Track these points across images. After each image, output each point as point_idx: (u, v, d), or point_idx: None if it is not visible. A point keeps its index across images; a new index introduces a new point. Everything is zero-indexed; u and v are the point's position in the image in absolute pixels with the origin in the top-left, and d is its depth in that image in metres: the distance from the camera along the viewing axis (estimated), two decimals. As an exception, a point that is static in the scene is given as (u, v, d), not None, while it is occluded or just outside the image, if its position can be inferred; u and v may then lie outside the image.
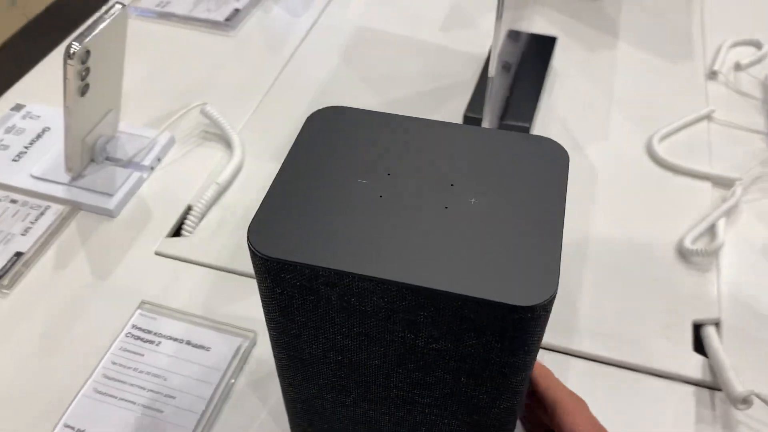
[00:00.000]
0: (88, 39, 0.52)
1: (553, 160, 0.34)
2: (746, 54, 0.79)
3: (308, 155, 0.34)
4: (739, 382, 0.47)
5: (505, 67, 0.63)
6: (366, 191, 0.32)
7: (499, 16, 0.55)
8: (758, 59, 0.77)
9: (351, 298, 0.30)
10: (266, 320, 0.34)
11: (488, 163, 0.33)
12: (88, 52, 0.53)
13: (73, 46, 0.51)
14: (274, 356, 0.36)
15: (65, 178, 0.63)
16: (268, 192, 0.32)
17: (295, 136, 0.35)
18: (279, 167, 0.33)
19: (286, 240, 0.30)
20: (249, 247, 0.30)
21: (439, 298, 0.28)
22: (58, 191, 0.62)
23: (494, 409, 0.34)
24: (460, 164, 0.33)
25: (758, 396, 0.46)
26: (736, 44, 0.80)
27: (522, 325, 0.28)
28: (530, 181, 0.32)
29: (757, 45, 0.80)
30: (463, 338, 0.30)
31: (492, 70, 0.58)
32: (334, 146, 0.34)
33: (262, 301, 0.33)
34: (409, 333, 0.30)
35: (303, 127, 0.36)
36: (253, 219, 0.31)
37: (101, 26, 0.54)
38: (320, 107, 0.37)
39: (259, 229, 0.30)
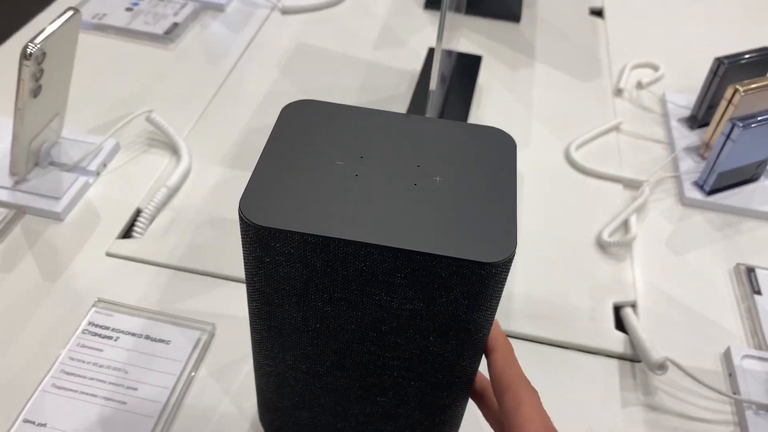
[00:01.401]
0: (44, 40, 0.53)
1: (503, 146, 0.38)
2: (646, 74, 0.88)
3: (287, 140, 0.37)
4: (655, 352, 0.54)
5: (442, 79, 0.68)
6: (343, 171, 0.36)
7: (439, 36, 0.60)
8: (656, 79, 0.87)
9: (335, 264, 0.33)
10: (249, 292, 0.37)
11: (448, 148, 0.38)
12: (44, 54, 0.54)
13: (30, 46, 0.52)
14: (252, 329, 0.39)
15: (9, 182, 0.63)
16: (254, 170, 0.35)
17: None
18: (262, 150, 0.36)
19: (275, 211, 0.33)
20: (241, 218, 0.33)
21: (415, 258, 0.32)
22: (2, 195, 0.62)
23: (457, 366, 0.38)
24: (424, 149, 0.38)
25: (671, 360, 0.52)
26: (637, 66, 0.90)
27: (487, 281, 0.32)
28: (486, 162, 0.37)
29: (655, 67, 0.90)
30: (434, 297, 0.34)
31: (433, 84, 0.63)
32: (309, 133, 0.38)
33: (248, 273, 0.35)
34: (386, 295, 0.34)
35: (279, 117, 0.39)
36: (243, 194, 0.34)
37: (56, 28, 0.55)
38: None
39: (249, 202, 0.33)
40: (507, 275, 0.33)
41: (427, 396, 0.40)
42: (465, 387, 0.40)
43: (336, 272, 0.33)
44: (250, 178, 0.34)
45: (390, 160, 0.37)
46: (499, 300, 0.35)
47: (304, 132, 0.38)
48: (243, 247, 0.34)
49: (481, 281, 0.32)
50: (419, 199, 0.34)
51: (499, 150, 0.38)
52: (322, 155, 0.36)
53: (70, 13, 0.57)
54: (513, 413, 0.34)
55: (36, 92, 0.56)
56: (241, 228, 0.33)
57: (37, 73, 0.55)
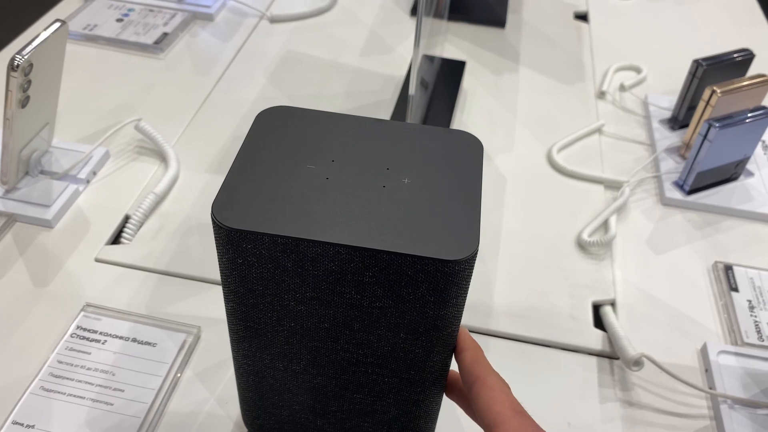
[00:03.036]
0: (31, 51, 0.55)
1: (470, 148, 0.40)
2: (628, 77, 0.90)
3: (260, 145, 0.38)
4: (632, 347, 0.55)
5: (423, 84, 0.70)
6: (314, 174, 0.37)
7: (417, 42, 0.62)
8: (638, 81, 0.89)
9: (305, 264, 0.34)
10: (225, 293, 0.38)
11: (417, 151, 0.39)
12: (31, 65, 0.55)
13: (16, 58, 0.54)
14: (230, 330, 0.40)
15: (-1, 190, 0.64)
16: (227, 176, 0.36)
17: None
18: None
19: (246, 214, 0.34)
20: (213, 221, 0.34)
21: (382, 257, 0.33)
22: (-7, 203, 0.63)
23: (428, 362, 0.39)
24: (393, 152, 0.39)
25: (647, 357, 0.54)
26: (620, 69, 0.91)
27: (451, 278, 0.34)
28: (453, 165, 0.38)
29: (638, 70, 0.91)
30: (402, 294, 0.35)
31: (412, 89, 0.65)
32: (282, 138, 0.39)
33: (223, 274, 0.37)
34: (356, 293, 0.35)
35: (254, 123, 0.40)
36: (215, 198, 0.35)
37: (43, 39, 0.56)
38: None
39: (221, 206, 0.34)
40: (471, 272, 0.35)
41: (401, 392, 0.41)
42: (437, 382, 0.41)
43: (307, 272, 0.35)
44: (223, 182, 0.36)
45: (360, 164, 0.38)
46: (465, 296, 0.36)
47: (278, 137, 0.39)
48: (217, 249, 0.36)
49: (445, 278, 0.34)
50: (387, 200, 0.36)
51: (466, 152, 0.39)
52: (295, 159, 0.38)
53: (57, 24, 0.58)
54: (480, 398, 0.35)
55: (24, 102, 0.57)
56: (214, 231, 0.34)
57: (25, 84, 0.56)
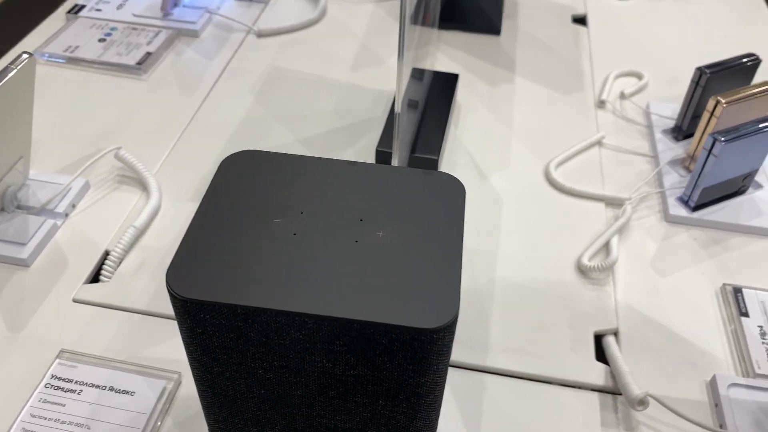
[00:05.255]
0: (-5, 90, 0.52)
1: (452, 194, 0.37)
2: (629, 84, 0.86)
3: (223, 198, 0.36)
4: (636, 386, 0.52)
5: (410, 104, 0.67)
6: (280, 230, 0.34)
7: (400, 55, 0.58)
8: (639, 89, 0.85)
9: (270, 333, 0.31)
10: (189, 360, 0.35)
11: (394, 199, 0.36)
12: (-5, 104, 0.53)
13: (-21, 97, 0.51)
14: (199, 395, 0.37)
15: (-27, 229, 0.62)
16: (185, 235, 0.33)
17: (212, 176, 0.37)
18: (196, 209, 0.35)
19: (204, 281, 0.31)
20: (168, 289, 0.31)
21: (353, 326, 0.30)
22: (-34, 244, 0.61)
23: (412, 428, 0.36)
24: (368, 201, 0.36)
25: (652, 396, 0.50)
26: (620, 75, 0.88)
27: (429, 347, 0.31)
28: (432, 214, 0.35)
29: (639, 76, 0.88)
30: (377, 363, 0.32)
31: (398, 107, 0.61)
32: (247, 188, 0.36)
33: (184, 342, 0.34)
34: (327, 362, 0.32)
35: (217, 171, 0.37)
36: (171, 262, 0.32)
37: (8, 77, 0.54)
38: (236, 147, 0.39)
39: (177, 272, 0.32)
40: (451, 339, 0.32)
41: (385, 455, 0.38)
42: (423, 446, 0.38)
43: (272, 341, 0.32)
44: (179, 244, 0.33)
45: (331, 215, 0.35)
46: (447, 361, 0.33)
47: (243, 187, 0.36)
48: (176, 317, 0.33)
49: (423, 347, 0.31)
50: (360, 258, 0.33)
51: (447, 198, 0.36)
52: (261, 213, 0.35)
53: (24, 57, 0.56)
54: None
55: (-9, 141, 0.55)
56: (170, 299, 0.32)
57: (-10, 123, 0.53)
